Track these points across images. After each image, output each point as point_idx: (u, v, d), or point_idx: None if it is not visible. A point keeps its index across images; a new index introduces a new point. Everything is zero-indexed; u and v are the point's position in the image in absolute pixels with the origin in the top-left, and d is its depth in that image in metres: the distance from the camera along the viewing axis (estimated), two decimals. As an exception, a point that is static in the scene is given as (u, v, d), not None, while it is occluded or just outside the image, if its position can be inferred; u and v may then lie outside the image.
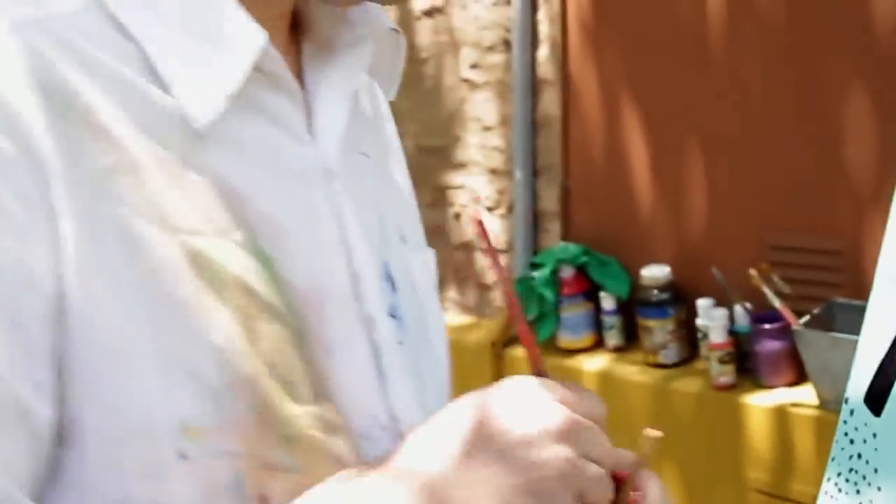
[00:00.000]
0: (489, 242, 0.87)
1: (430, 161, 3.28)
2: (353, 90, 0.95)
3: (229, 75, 0.83)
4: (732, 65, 2.69)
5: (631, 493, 0.88)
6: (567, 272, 2.95)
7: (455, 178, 3.27)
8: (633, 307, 2.89)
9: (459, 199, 3.28)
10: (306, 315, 0.86)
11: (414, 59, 3.20)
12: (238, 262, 0.83)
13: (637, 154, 2.88)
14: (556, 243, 3.06)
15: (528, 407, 0.80)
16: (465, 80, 3.19)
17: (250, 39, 0.85)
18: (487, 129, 3.17)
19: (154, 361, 0.78)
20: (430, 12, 3.22)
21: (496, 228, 3.19)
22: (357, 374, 0.89)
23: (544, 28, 3.00)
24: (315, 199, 0.90)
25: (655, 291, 2.82)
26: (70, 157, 0.76)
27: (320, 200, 0.90)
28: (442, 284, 3.29)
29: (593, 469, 0.81)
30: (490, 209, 3.20)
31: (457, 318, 3.32)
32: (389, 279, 0.97)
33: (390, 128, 1.09)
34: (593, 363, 2.95)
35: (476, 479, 0.78)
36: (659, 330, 2.81)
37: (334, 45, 0.95)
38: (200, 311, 0.80)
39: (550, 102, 3.02)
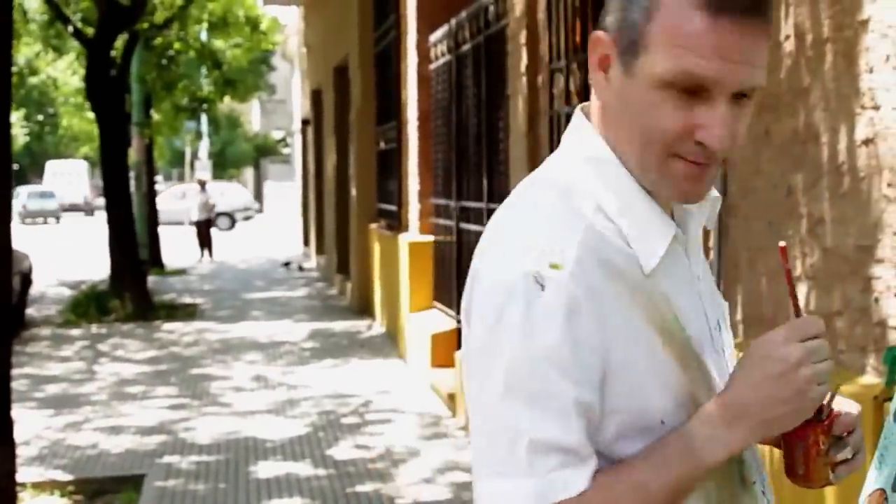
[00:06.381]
0: (787, 261, 1.70)
1: (863, 256, 4.16)
2: (699, 231, 1.77)
3: (662, 244, 1.64)
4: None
5: (833, 409, 1.62)
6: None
7: (876, 270, 4.21)
8: None
9: (878, 287, 4.20)
10: (699, 350, 1.68)
11: (855, 177, 4.14)
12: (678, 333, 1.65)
13: None
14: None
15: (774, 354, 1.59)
16: (884, 196, 4.26)
17: (669, 228, 1.66)
18: (897, 233, 4.30)
19: (653, 383, 1.62)
20: (865, 142, 4.21)
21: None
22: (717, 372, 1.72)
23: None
24: (696, 293, 1.73)
25: None
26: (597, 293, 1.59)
27: (697, 294, 1.73)
28: (862, 351, 4.20)
29: (821, 365, 1.58)
30: (897, 294, 4.27)
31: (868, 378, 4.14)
32: (718, 325, 1.80)
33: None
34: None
35: (758, 395, 1.59)
36: None
37: (690, 210, 1.75)
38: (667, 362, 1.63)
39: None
